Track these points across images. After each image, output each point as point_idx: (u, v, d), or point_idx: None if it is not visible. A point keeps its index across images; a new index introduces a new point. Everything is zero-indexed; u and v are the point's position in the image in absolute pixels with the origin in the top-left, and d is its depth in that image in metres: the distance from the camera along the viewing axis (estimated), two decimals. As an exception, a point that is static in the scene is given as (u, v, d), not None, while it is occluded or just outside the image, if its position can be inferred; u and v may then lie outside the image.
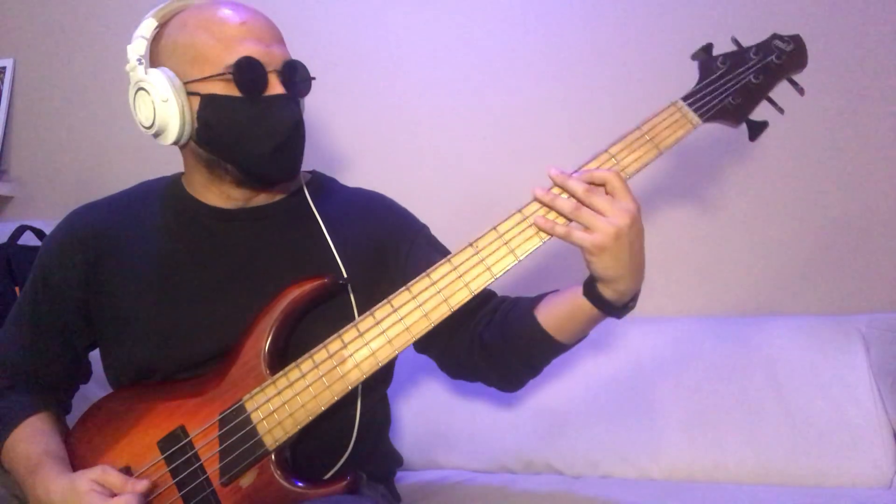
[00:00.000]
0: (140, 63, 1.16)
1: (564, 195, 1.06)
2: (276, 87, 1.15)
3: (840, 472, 1.59)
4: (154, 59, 1.19)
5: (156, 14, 1.20)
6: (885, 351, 1.67)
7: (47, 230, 1.98)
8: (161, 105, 1.14)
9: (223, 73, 1.13)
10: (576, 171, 1.07)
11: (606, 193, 1.03)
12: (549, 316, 1.15)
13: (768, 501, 1.49)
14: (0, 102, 2.26)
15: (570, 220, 1.05)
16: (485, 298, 1.20)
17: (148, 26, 1.19)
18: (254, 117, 1.14)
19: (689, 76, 1.16)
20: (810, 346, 1.71)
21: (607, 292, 1.07)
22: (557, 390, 1.76)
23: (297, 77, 1.19)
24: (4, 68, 2.28)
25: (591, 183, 1.04)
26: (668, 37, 1.93)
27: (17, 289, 1.89)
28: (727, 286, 1.93)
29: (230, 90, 1.14)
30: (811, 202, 1.89)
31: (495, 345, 1.20)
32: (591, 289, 1.08)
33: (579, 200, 1.03)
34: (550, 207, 1.06)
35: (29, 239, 1.99)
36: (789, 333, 1.74)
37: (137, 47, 1.17)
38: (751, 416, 1.66)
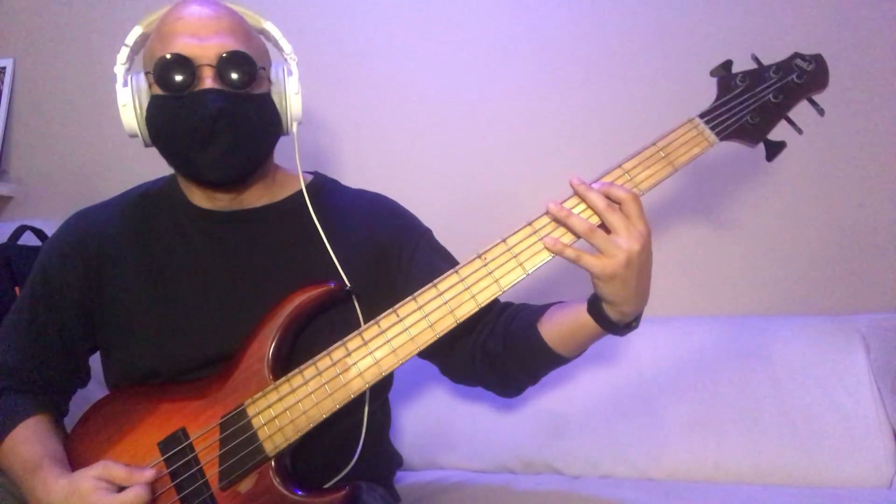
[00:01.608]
0: (118, 70, 1.19)
1: (579, 210, 1.04)
2: (205, 82, 1.12)
3: (840, 472, 1.60)
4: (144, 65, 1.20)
5: (142, 22, 1.22)
6: (885, 351, 1.68)
7: (47, 230, 1.98)
8: (122, 110, 1.16)
9: (149, 73, 1.14)
10: (594, 182, 1.05)
11: (621, 212, 1.01)
12: (552, 330, 1.14)
13: (768, 501, 1.50)
14: (0, 102, 2.25)
15: (579, 238, 1.04)
16: (488, 306, 1.20)
17: (133, 34, 1.21)
18: (180, 113, 1.12)
19: (706, 90, 1.14)
20: (810, 346, 1.71)
21: (612, 313, 1.06)
22: (557, 391, 1.76)
23: (234, 69, 1.13)
24: (4, 68, 2.27)
25: (608, 197, 1.02)
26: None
27: (17, 289, 1.89)
28: (727, 286, 1.94)
29: (159, 89, 1.14)
30: (811, 203, 1.90)
31: (497, 354, 1.21)
32: (595, 308, 1.08)
33: (598, 214, 1.02)
34: (563, 224, 1.04)
35: (29, 239, 1.99)
36: (789, 333, 1.74)
37: (121, 55, 1.20)
38: (751, 416, 1.66)
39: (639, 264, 1.01)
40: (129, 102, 1.16)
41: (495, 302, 1.16)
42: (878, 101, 1.85)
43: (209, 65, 1.12)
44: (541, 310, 1.19)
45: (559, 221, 1.04)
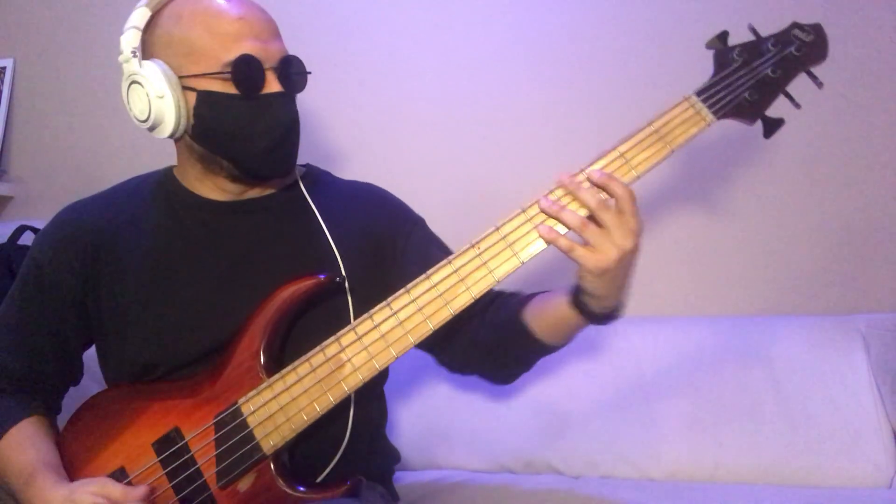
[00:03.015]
0: (134, 55, 1.15)
1: (572, 205, 1.03)
2: (273, 85, 1.14)
3: (840, 472, 1.59)
4: (147, 49, 1.17)
5: (148, 3, 1.19)
6: (885, 351, 1.67)
7: (47, 230, 1.99)
8: (156, 100, 1.13)
9: (221, 72, 1.12)
10: (591, 167, 1.03)
11: (616, 208, 1.00)
12: (537, 320, 1.15)
13: (768, 501, 1.50)
14: (0, 102, 2.26)
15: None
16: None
17: (141, 16, 1.17)
18: (251, 116, 1.14)
19: (702, 66, 1.11)
20: (810, 346, 1.71)
21: (594, 306, 1.07)
22: (557, 390, 1.76)
23: (293, 73, 1.18)
24: (4, 68, 2.27)
25: (604, 188, 1.01)
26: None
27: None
28: (727, 286, 1.93)
29: (227, 87, 1.13)
30: (811, 202, 1.89)
31: (487, 344, 1.22)
32: (578, 300, 1.08)
33: (592, 211, 1.00)
34: (557, 219, 1.03)
35: (29, 239, 1.99)
36: (789, 333, 1.73)
37: (131, 38, 1.16)
38: (751, 416, 1.66)
39: (629, 261, 1.01)
40: (168, 93, 1.12)
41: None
42: (879, 101, 1.85)
43: (273, 68, 1.15)
44: (526, 300, 1.19)
45: (552, 216, 1.03)
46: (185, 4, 1.17)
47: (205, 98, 1.13)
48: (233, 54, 1.12)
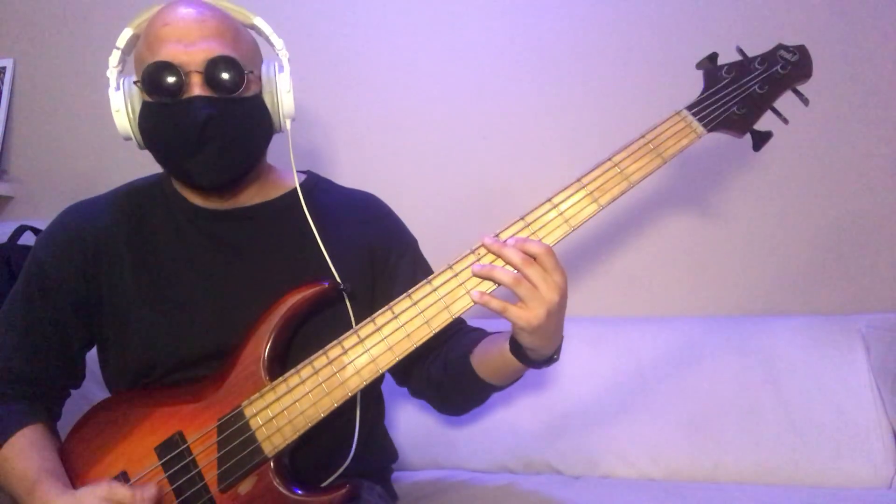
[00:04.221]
0: (111, 74, 1.19)
1: (501, 263, 1.06)
2: (193, 89, 1.12)
3: (840, 472, 1.60)
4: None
5: (132, 23, 1.21)
6: (885, 351, 1.67)
7: (47, 230, 1.99)
8: (115, 115, 1.17)
9: (137, 82, 1.14)
10: (510, 238, 1.06)
11: (538, 265, 1.03)
12: (482, 364, 1.19)
13: (768, 501, 1.50)
14: (0, 102, 2.26)
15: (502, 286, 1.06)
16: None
17: (123, 36, 1.21)
18: (167, 121, 1.13)
19: (693, 83, 1.16)
20: (810, 346, 1.71)
21: (532, 355, 1.11)
22: (557, 390, 1.76)
23: (221, 73, 1.12)
24: (4, 68, 2.27)
25: (523, 251, 1.03)
26: (670, 43, 1.93)
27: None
28: (727, 286, 1.94)
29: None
30: (811, 202, 1.89)
31: (438, 379, 1.28)
32: (516, 349, 1.11)
33: (517, 269, 1.03)
34: (489, 279, 1.06)
35: (29, 239, 1.99)
36: (789, 333, 1.74)
37: (112, 58, 1.20)
38: (751, 416, 1.66)
39: (557, 313, 1.04)
40: (122, 108, 1.16)
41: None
42: (878, 101, 1.85)
43: (197, 71, 1.12)
44: (475, 340, 1.23)
45: (486, 278, 1.06)
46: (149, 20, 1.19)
47: (143, 108, 1.15)
48: (150, 62, 1.12)
